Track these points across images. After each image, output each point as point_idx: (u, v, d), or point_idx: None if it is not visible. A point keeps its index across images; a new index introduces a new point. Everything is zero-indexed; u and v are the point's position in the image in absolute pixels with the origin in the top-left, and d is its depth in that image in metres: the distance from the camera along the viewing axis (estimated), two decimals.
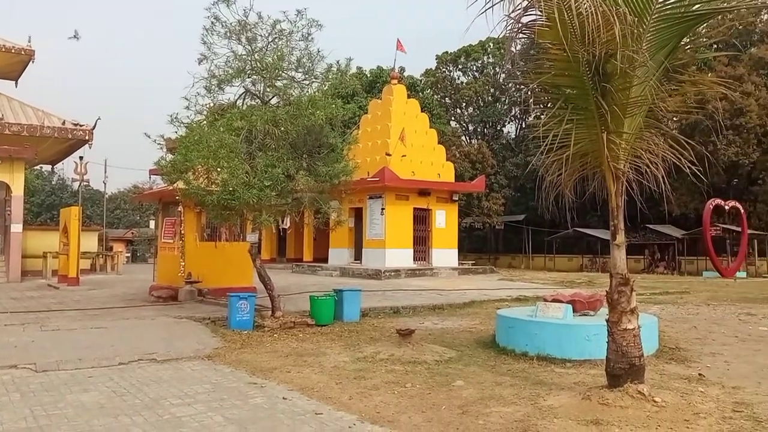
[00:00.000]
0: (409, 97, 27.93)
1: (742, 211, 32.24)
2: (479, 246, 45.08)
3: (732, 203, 32.28)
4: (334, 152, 11.72)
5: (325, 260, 26.77)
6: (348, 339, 9.52)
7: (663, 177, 6.02)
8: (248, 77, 11.46)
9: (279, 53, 11.13)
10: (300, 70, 11.53)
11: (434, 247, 26.08)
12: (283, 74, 11.33)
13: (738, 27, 37.51)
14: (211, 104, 11.60)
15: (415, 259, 25.26)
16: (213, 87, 11.19)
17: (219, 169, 10.57)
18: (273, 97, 11.74)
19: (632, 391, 5.48)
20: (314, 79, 11.67)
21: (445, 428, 5.03)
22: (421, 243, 25.83)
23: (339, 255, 26.11)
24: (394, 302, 13.96)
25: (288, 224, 14.45)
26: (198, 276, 13.73)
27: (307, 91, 11.52)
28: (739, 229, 32.42)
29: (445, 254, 26.16)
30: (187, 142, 10.80)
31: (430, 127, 28.16)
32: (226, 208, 10.81)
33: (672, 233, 35.44)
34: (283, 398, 5.92)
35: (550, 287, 18.67)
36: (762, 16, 38.71)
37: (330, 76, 11.73)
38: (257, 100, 11.90)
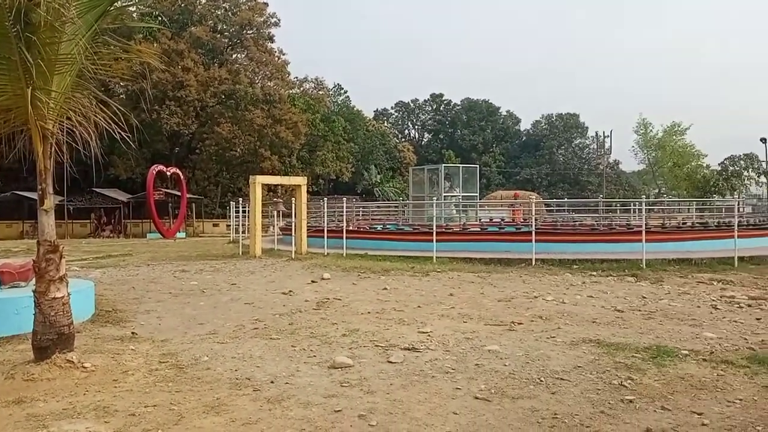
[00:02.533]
0: None
1: (183, 177, 35.39)
2: None
3: (173, 169, 35.04)
4: None
5: None
6: None
7: (106, 141, 5.94)
8: None
9: None
10: None
11: None
12: None
13: (180, 4, 40.48)
14: None
15: None
16: None
17: None
18: None
19: (60, 361, 5.29)
20: None
21: None
22: None
23: None
24: None
25: None
26: None
27: None
28: (179, 193, 35.47)
29: None
30: None
31: None
32: None
33: (118, 197, 35.98)
34: None
35: None
36: (201, 0, 42.75)
37: None
38: None
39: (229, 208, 27.19)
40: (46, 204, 5.51)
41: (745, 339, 6.75)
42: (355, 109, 62.51)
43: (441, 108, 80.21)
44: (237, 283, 11.81)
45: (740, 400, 4.63)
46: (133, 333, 7.19)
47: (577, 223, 20.89)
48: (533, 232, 15.01)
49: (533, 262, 14.19)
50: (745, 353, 6.03)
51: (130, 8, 7.05)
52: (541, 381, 5.14)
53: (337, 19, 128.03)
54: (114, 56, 6.07)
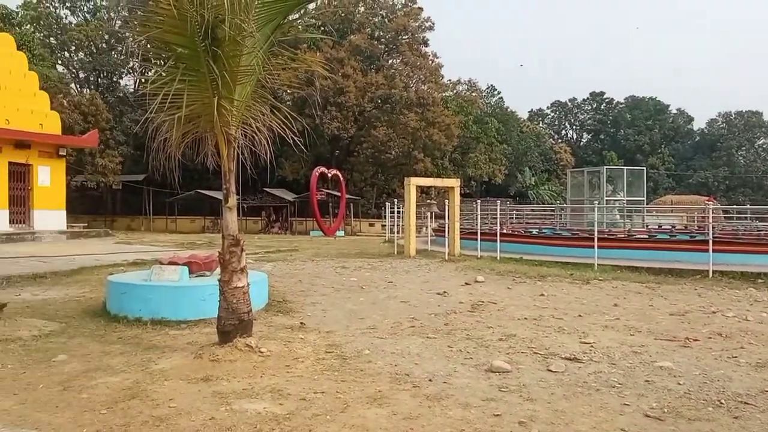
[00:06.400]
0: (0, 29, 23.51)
1: (342, 178, 37.14)
2: (94, 207, 41.36)
3: (334, 171, 36.90)
4: None
5: None
6: None
7: (277, 145, 6.41)
8: None
9: None
10: None
11: (36, 208, 22.87)
12: None
13: (341, 14, 42.47)
14: None
15: (12, 221, 21.76)
16: None
17: None
18: None
19: (241, 345, 5.81)
20: None
21: (42, 408, 4.49)
22: (20, 203, 22.37)
23: None
24: None
25: None
26: None
27: None
28: (339, 194, 37.25)
29: (50, 216, 23.18)
30: None
31: (30, 69, 24.27)
32: None
33: (285, 196, 38.61)
34: None
35: (170, 249, 18.34)
36: (360, 8, 44.49)
37: None
38: None
39: (384, 208, 28.00)
40: (230, 202, 6.08)
41: None
42: (508, 110, 61.18)
43: (602, 107, 75.97)
44: (393, 282, 12.13)
45: None
46: (301, 323, 7.68)
47: (762, 232, 18.66)
48: (710, 241, 13.66)
49: (710, 274, 12.91)
50: None
51: (298, 20, 7.48)
52: (722, 404, 4.67)
53: (488, 18, 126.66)
54: (282, 66, 6.50)
